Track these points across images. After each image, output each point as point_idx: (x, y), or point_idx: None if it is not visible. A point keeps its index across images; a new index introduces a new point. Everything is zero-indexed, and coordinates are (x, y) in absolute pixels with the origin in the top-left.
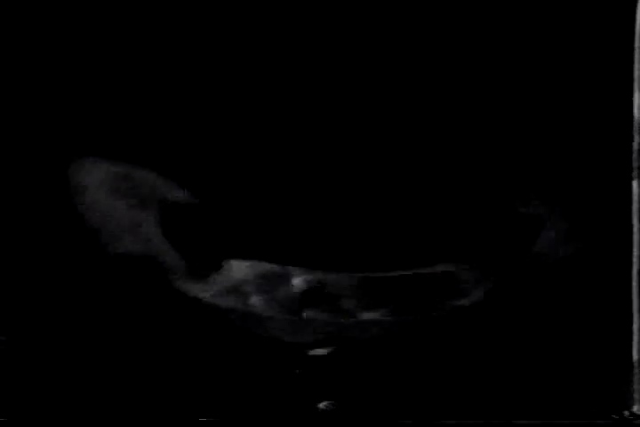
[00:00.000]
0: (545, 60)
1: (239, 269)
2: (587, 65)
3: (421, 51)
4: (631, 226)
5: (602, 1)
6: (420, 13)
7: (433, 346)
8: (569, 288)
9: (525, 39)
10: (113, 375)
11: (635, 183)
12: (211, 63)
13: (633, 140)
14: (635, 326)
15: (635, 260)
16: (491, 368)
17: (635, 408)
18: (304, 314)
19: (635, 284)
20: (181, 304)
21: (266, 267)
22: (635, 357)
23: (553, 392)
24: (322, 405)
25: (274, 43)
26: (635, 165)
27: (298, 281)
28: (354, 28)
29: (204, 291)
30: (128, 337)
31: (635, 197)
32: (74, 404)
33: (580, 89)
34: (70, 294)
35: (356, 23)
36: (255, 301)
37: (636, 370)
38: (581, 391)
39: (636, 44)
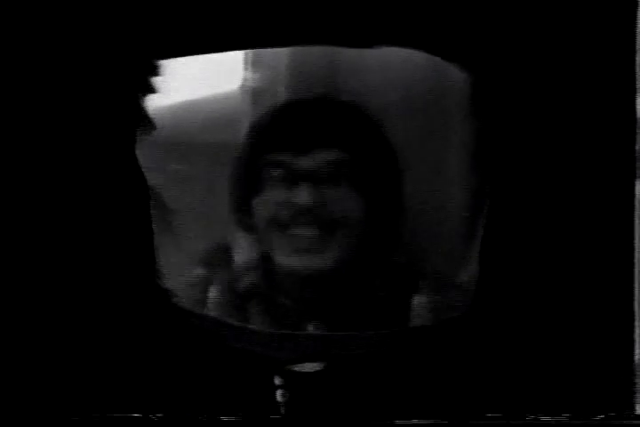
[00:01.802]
0: (546, 61)
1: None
2: (589, 66)
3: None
4: (633, 226)
5: (603, 2)
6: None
7: (432, 352)
8: (571, 289)
9: (527, 40)
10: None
11: (638, 184)
12: None
13: (636, 141)
14: (637, 327)
15: (637, 260)
16: (492, 369)
17: (637, 409)
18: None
19: (637, 284)
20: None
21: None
22: (637, 357)
23: (554, 392)
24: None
25: None
26: (638, 165)
27: None
28: None
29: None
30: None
31: (637, 198)
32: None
33: (582, 90)
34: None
35: None
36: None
37: (637, 371)
38: (583, 392)
39: (638, 45)
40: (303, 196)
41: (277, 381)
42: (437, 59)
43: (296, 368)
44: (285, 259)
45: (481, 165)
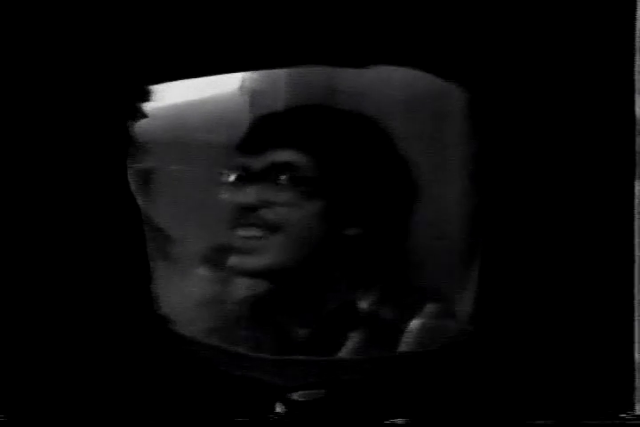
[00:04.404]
0: (546, 62)
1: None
2: (588, 67)
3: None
4: (633, 227)
5: (602, 2)
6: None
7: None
8: (571, 289)
9: (527, 40)
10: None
11: (637, 184)
12: None
13: (635, 142)
14: (637, 327)
15: (637, 260)
16: (493, 369)
17: (637, 408)
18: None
19: (637, 284)
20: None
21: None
22: (637, 357)
23: (555, 393)
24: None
25: None
26: (637, 165)
27: None
28: None
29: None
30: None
31: (637, 198)
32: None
33: (581, 91)
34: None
35: None
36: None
37: (637, 370)
38: (583, 392)
39: (637, 46)
40: (249, 196)
41: (278, 408)
42: (435, 77)
43: (296, 396)
44: (231, 259)
45: (480, 178)
